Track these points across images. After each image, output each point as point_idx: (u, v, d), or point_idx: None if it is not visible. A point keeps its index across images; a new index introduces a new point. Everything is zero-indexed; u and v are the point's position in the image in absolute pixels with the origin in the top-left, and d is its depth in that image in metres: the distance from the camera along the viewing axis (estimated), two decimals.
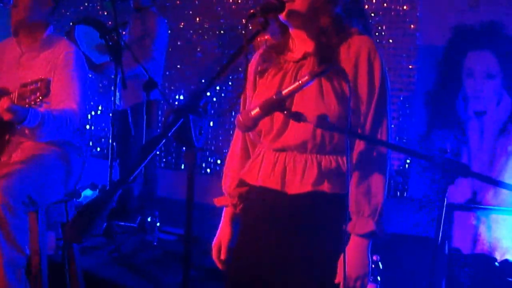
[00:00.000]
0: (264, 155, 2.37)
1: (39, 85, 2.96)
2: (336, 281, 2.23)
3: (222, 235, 2.56)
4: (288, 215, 2.29)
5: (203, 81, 6.23)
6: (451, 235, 5.39)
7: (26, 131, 3.31)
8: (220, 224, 2.58)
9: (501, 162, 5.30)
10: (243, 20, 2.18)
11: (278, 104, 2.04)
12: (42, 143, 3.53)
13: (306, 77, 2.03)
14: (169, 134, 1.68)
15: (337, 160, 2.25)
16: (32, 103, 2.98)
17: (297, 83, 2.04)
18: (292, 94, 2.06)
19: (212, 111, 5.49)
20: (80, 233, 1.56)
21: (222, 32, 6.36)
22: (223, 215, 2.59)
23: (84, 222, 1.55)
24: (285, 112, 2.05)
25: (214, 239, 2.57)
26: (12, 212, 3.22)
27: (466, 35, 5.43)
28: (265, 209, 2.36)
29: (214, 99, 6.17)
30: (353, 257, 2.23)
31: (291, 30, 2.33)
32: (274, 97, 2.04)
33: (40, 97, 2.96)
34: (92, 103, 6.87)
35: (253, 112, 2.06)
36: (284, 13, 2.21)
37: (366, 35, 2.29)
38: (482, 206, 5.33)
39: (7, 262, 3.24)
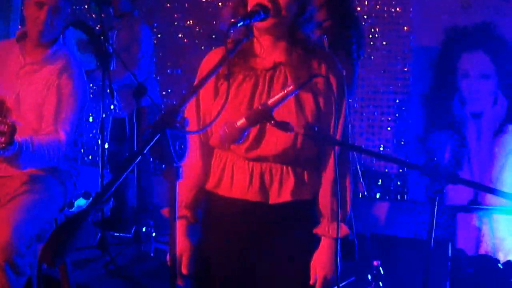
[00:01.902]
0: (234, 165, 2.33)
1: (5, 129, 2.85)
2: (311, 282, 2.34)
3: (182, 248, 2.41)
4: (268, 224, 2.33)
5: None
6: (454, 237, 5.36)
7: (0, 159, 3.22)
8: (178, 238, 2.43)
9: (500, 162, 5.27)
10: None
11: (264, 114, 2.05)
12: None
13: (291, 87, 2.07)
14: (145, 151, 1.62)
15: (311, 169, 2.34)
16: None
17: (282, 93, 2.07)
18: (278, 104, 2.07)
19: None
20: (55, 256, 1.50)
21: (213, 35, 6.30)
22: (177, 227, 2.46)
23: (59, 244, 1.48)
24: (272, 122, 2.05)
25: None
26: (21, 256, 3.15)
27: (460, 36, 5.41)
28: (241, 221, 2.35)
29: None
30: (326, 257, 2.34)
31: (261, 37, 2.30)
32: (260, 107, 2.06)
33: (3, 144, 2.86)
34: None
35: (239, 123, 2.05)
36: (267, 23, 2.20)
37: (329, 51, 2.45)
38: (483, 207, 5.31)
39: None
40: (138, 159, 1.62)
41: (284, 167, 2.28)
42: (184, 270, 2.41)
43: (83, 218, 1.47)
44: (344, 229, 2.33)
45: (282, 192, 2.29)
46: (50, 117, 3.38)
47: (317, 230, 2.34)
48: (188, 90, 1.96)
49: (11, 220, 3.15)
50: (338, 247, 2.34)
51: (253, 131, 2.22)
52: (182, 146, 1.72)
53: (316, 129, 2.09)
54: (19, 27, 7.03)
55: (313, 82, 2.22)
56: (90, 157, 6.82)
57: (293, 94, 2.08)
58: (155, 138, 1.67)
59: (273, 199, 2.29)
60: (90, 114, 6.65)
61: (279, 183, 2.29)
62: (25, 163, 3.22)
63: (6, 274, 3.12)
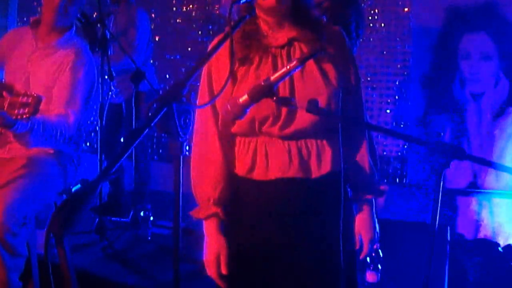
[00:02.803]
0: (266, 147, 2.28)
1: (30, 100, 2.89)
2: (357, 247, 2.45)
3: (219, 247, 2.33)
4: (310, 199, 2.32)
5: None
6: (454, 221, 5.36)
7: (12, 136, 3.24)
8: (209, 237, 2.36)
9: (501, 145, 5.26)
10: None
11: (266, 90, 2.02)
12: (33, 149, 3.46)
13: (294, 62, 2.05)
14: (152, 124, 1.59)
15: (338, 140, 2.33)
16: (19, 117, 2.90)
17: (285, 69, 2.05)
18: (280, 79, 2.06)
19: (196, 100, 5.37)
20: (63, 226, 1.47)
21: (211, 20, 6.27)
22: (206, 226, 2.36)
23: (67, 215, 1.45)
24: (274, 98, 2.03)
25: (207, 255, 2.35)
26: (14, 236, 3.23)
27: (461, 17, 5.36)
28: (281, 200, 2.31)
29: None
30: (370, 221, 2.46)
31: (266, 17, 2.29)
32: (263, 83, 2.03)
33: (27, 114, 2.89)
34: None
35: (241, 100, 2.03)
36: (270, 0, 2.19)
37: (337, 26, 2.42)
38: (483, 191, 5.30)
39: (10, 268, 3.27)
40: (145, 132, 1.60)
41: (319, 142, 2.30)
42: (223, 270, 2.32)
43: (91, 190, 1.44)
44: (383, 187, 2.44)
45: (322, 164, 2.30)
46: (60, 99, 3.45)
47: (359, 196, 2.43)
48: (193, 67, 1.92)
49: (2, 200, 3.22)
50: (374, 209, 2.46)
51: (284, 109, 2.20)
52: (187, 121, 1.67)
53: (318, 104, 2.06)
54: (17, 20, 7.10)
55: (330, 52, 2.26)
56: (88, 144, 6.78)
57: (296, 70, 2.06)
58: (162, 112, 1.65)
59: (315, 173, 2.29)
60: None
61: (317, 156, 2.29)
62: (34, 141, 3.24)
63: (1, 255, 3.20)
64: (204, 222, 2.36)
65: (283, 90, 2.20)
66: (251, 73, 2.26)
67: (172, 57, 6.55)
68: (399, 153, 5.66)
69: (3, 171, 3.44)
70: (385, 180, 5.65)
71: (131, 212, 5.04)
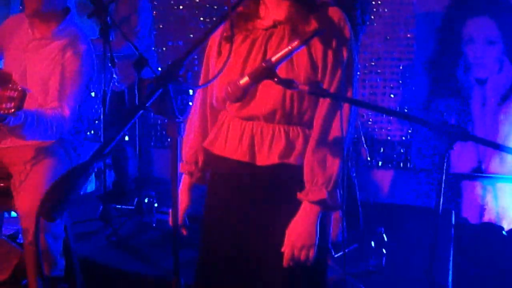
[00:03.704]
0: (230, 124, 2.33)
1: (15, 95, 2.82)
2: (282, 249, 2.22)
3: (181, 202, 2.53)
4: (256, 186, 2.29)
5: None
6: (459, 205, 5.36)
7: (6, 129, 3.17)
8: (179, 191, 2.48)
9: (505, 130, 5.24)
10: None
11: (267, 71, 1.99)
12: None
13: (296, 42, 2.01)
14: (147, 105, 1.57)
15: (304, 131, 2.25)
16: (6, 111, 2.84)
17: (286, 49, 2.01)
18: (281, 60, 2.01)
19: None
20: (54, 209, 1.45)
21: (214, 6, 6.25)
22: (181, 182, 2.56)
23: (58, 197, 1.44)
24: (275, 79, 2.00)
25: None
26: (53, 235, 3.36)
27: (464, 1, 5.35)
28: (232, 180, 2.35)
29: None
30: (301, 224, 2.21)
31: None
32: (264, 64, 1.99)
33: (13, 109, 2.83)
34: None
35: (242, 81, 2.00)
36: None
37: (336, 6, 2.28)
38: (488, 175, 5.30)
39: (55, 251, 3.40)
40: (140, 112, 1.58)
41: (276, 128, 2.23)
42: (180, 222, 2.50)
43: (83, 170, 1.42)
44: (321, 193, 2.18)
45: (271, 154, 2.22)
46: (55, 93, 3.39)
47: (299, 195, 2.21)
48: (190, 47, 1.90)
49: (36, 190, 3.26)
50: (318, 217, 2.21)
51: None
52: (184, 101, 1.66)
53: (321, 86, 2.04)
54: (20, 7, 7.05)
55: (324, 34, 2.16)
56: (92, 132, 6.78)
57: (298, 50, 2.01)
58: (158, 93, 1.63)
59: (260, 161, 2.24)
60: (92, 90, 6.61)
61: (269, 145, 2.23)
62: (28, 135, 3.19)
63: (46, 240, 3.31)
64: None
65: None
66: (232, 52, 2.13)
67: (175, 44, 6.53)
68: (403, 138, 5.64)
69: (14, 160, 3.47)
70: (389, 165, 5.64)
71: (136, 199, 5.04)
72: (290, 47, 2.00)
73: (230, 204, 2.37)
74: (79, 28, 3.65)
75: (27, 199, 3.26)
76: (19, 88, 2.83)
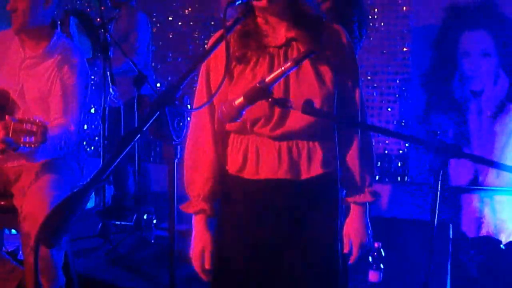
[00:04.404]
0: (258, 146, 2.29)
1: (35, 129, 2.86)
2: (346, 250, 2.39)
3: (204, 243, 2.39)
4: (300, 201, 2.31)
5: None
6: (459, 219, 5.36)
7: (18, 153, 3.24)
8: (196, 232, 2.41)
9: (502, 141, 5.26)
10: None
11: (262, 92, 2.01)
12: None
13: (289, 63, 2.03)
14: (144, 129, 1.59)
15: (333, 143, 2.32)
16: (27, 145, 2.88)
17: (280, 70, 2.03)
18: (275, 81, 2.03)
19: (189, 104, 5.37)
20: (52, 235, 1.47)
21: (212, 23, 6.29)
22: (195, 221, 2.42)
23: (57, 223, 1.45)
24: (270, 99, 2.02)
25: (193, 249, 2.40)
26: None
27: (460, 15, 5.37)
28: (271, 201, 2.31)
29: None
30: (360, 224, 2.41)
31: (266, 15, 2.28)
32: (258, 85, 2.01)
33: (36, 144, 2.87)
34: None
35: (237, 102, 2.02)
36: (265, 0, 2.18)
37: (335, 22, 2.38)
38: (485, 188, 5.30)
39: (57, 263, 3.39)
40: (138, 136, 1.60)
41: (311, 144, 2.28)
42: (207, 265, 2.38)
43: (81, 196, 1.44)
44: (373, 193, 2.38)
45: (312, 166, 2.28)
46: (58, 109, 3.41)
47: (348, 199, 2.39)
48: (187, 70, 1.91)
49: (43, 203, 3.24)
50: (367, 212, 2.41)
51: (276, 110, 2.21)
52: (181, 124, 1.69)
53: (314, 105, 2.04)
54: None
55: (327, 53, 2.25)
56: (92, 148, 6.81)
57: (291, 71, 2.05)
58: (155, 116, 1.65)
59: (304, 174, 2.28)
60: (92, 106, 6.64)
61: (308, 157, 2.28)
62: (40, 156, 3.29)
63: (49, 250, 3.29)
64: (193, 216, 2.41)
65: (278, 90, 2.18)
66: (247, 72, 2.26)
67: (174, 60, 6.57)
68: (401, 151, 5.66)
69: (21, 175, 3.49)
70: (387, 179, 5.66)
71: (135, 216, 5.06)
72: (283, 68, 2.02)
73: (264, 225, 2.32)
74: (69, 40, 3.68)
75: (31, 204, 3.27)
76: (38, 122, 2.86)
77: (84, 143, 6.84)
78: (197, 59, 1.99)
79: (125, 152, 1.53)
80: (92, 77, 5.77)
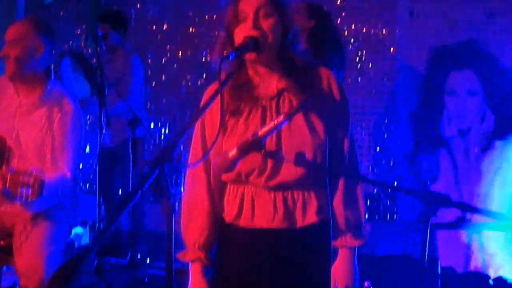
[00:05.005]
0: (253, 196, 2.34)
1: (32, 182, 2.88)
2: None
3: None
4: (294, 248, 2.36)
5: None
6: (448, 254, 5.37)
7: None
8: (193, 280, 2.46)
9: (489, 178, 5.30)
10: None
11: (255, 144, 2.08)
12: None
13: (281, 117, 2.11)
14: (144, 188, 1.67)
15: (326, 190, 2.38)
16: (24, 198, 2.90)
17: (272, 123, 2.11)
18: (268, 134, 2.10)
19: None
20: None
21: (203, 65, 6.37)
22: (191, 269, 2.47)
23: (62, 284, 1.53)
24: (262, 151, 2.09)
25: None
26: None
27: (446, 55, 5.47)
28: (266, 249, 2.35)
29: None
30: (346, 268, 2.44)
31: (256, 68, 2.36)
32: (251, 138, 2.09)
33: (32, 197, 2.89)
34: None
35: (231, 154, 2.09)
36: (257, 52, 2.25)
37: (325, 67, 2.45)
38: (472, 223, 5.33)
39: None
40: (138, 196, 1.67)
41: (306, 192, 2.34)
42: None
43: (86, 256, 1.51)
44: (362, 238, 2.41)
45: (307, 214, 2.33)
46: (54, 158, 3.42)
47: (335, 243, 2.40)
48: (185, 124, 2.00)
49: (37, 256, 3.28)
50: (355, 256, 2.44)
51: (269, 161, 2.27)
52: (178, 180, 1.78)
53: (306, 157, 2.13)
54: None
55: (318, 100, 2.31)
56: (87, 186, 6.84)
57: (283, 125, 2.12)
58: (154, 174, 1.72)
59: (299, 223, 2.33)
60: (87, 144, 6.69)
61: (303, 206, 2.33)
62: (36, 206, 3.29)
63: None
64: (190, 264, 2.46)
65: (270, 142, 2.23)
66: (240, 124, 2.32)
67: (168, 101, 6.65)
68: (389, 189, 5.72)
69: (17, 219, 3.46)
70: (377, 217, 5.70)
71: (129, 254, 5.08)
72: (275, 122, 2.10)
73: (260, 273, 2.36)
74: (64, 87, 3.68)
75: (27, 260, 3.28)
76: (34, 175, 2.88)
77: (80, 184, 6.88)
78: (193, 116, 2.07)
79: (126, 209, 1.61)
80: (88, 116, 5.86)
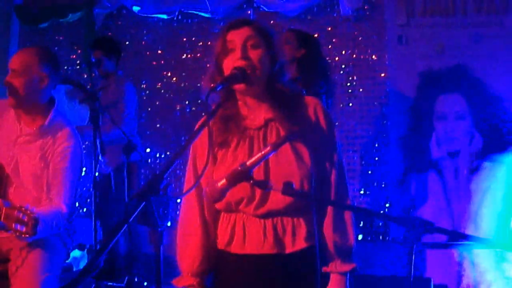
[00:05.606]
0: (244, 223, 2.40)
1: (26, 220, 2.91)
2: None
3: None
4: (285, 273, 2.39)
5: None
6: (441, 273, 5.41)
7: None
8: None
9: (478, 198, 5.38)
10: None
11: (243, 175, 2.15)
12: None
13: (268, 148, 2.18)
14: (130, 220, 1.74)
15: (314, 217, 2.39)
16: (17, 234, 2.94)
17: (260, 154, 2.18)
18: (256, 164, 2.17)
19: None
20: None
21: (197, 90, 6.41)
22: None
23: None
24: (251, 181, 2.16)
25: None
26: None
27: (434, 80, 5.59)
28: (257, 274, 2.41)
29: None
30: None
31: (245, 98, 2.43)
32: (239, 168, 2.15)
33: (26, 235, 2.93)
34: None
35: (220, 184, 2.16)
36: (245, 83, 2.32)
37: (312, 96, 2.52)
38: (463, 242, 5.37)
39: None
40: (125, 227, 1.74)
41: (295, 218, 2.38)
42: None
43: (78, 282, 1.59)
44: (351, 263, 2.42)
45: (297, 240, 2.38)
46: (52, 191, 3.40)
47: (326, 268, 2.41)
48: (172, 156, 2.06)
49: (34, 278, 3.29)
50: (347, 281, 2.42)
51: (257, 190, 2.33)
52: (165, 211, 1.85)
53: (293, 186, 2.17)
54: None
55: (305, 129, 2.37)
56: (84, 210, 6.87)
57: (270, 155, 2.18)
58: (141, 207, 1.79)
59: (289, 249, 2.37)
60: (84, 169, 6.75)
61: (292, 233, 2.38)
62: (31, 239, 3.23)
63: None
64: None
65: (258, 172, 2.29)
66: (229, 155, 2.39)
67: (163, 127, 6.71)
68: (381, 211, 5.73)
69: (13, 245, 3.42)
70: (369, 237, 5.75)
71: (126, 277, 5.11)
72: (263, 153, 2.17)
73: None
74: (66, 119, 3.62)
75: (22, 285, 3.28)
76: (29, 213, 2.91)
77: (77, 204, 6.92)
78: (180, 149, 2.13)
79: (113, 242, 1.68)
80: (86, 142, 5.92)
